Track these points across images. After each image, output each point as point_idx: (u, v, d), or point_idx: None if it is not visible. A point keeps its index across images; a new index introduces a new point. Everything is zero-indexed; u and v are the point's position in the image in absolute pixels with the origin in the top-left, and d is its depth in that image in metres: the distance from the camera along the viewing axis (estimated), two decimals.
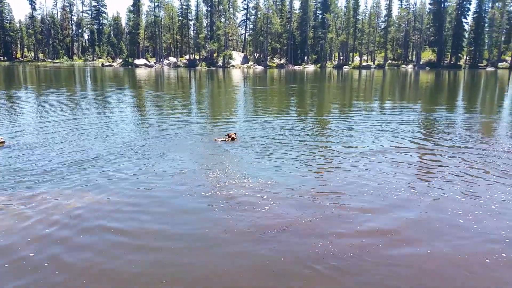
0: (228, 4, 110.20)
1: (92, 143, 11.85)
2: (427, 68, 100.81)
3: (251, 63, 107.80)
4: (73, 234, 5.94)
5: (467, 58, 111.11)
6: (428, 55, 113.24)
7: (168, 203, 7.20)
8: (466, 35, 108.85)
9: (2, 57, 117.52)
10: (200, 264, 5.22)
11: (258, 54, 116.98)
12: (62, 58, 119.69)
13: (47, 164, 9.45)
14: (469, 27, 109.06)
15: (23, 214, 6.56)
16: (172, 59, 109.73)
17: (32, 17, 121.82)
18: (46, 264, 5.07)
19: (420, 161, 10.28)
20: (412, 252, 5.56)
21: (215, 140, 11.85)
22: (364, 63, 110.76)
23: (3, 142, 11.62)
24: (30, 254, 5.32)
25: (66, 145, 11.54)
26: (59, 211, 6.73)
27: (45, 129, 14.28)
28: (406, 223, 6.42)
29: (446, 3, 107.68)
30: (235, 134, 12.01)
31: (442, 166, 9.70)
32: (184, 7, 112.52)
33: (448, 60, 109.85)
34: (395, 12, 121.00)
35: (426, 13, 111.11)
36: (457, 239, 5.93)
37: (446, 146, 11.88)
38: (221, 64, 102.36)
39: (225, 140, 11.75)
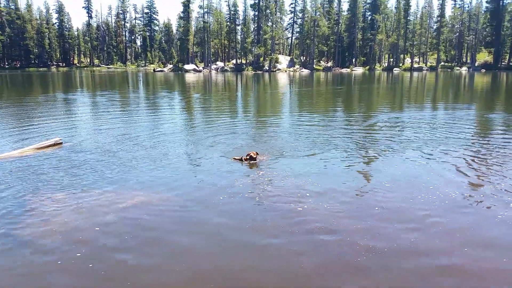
0: (275, 8, 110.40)
1: (143, 145, 12.25)
2: (483, 70, 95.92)
3: (297, 66, 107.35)
4: (124, 233, 6.13)
5: None
6: (483, 56, 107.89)
7: (216, 205, 7.28)
8: None
9: (61, 63, 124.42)
10: (248, 264, 5.25)
11: (304, 57, 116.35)
12: (116, 63, 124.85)
13: (102, 164, 9.87)
14: None
15: (78, 212, 6.87)
16: (220, 63, 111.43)
17: (88, 24, 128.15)
18: (91, 265, 5.23)
19: (473, 164, 9.81)
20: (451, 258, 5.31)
21: (234, 159, 10.15)
22: (415, 65, 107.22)
23: (61, 143, 12.26)
24: (78, 254, 5.51)
25: (120, 147, 12.00)
26: (112, 209, 6.99)
27: (100, 131, 14.94)
28: (451, 227, 6.14)
29: (505, 1, 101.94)
30: (257, 153, 10.01)
31: (495, 171, 9.19)
32: (232, 12, 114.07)
33: (506, 61, 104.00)
34: (448, 12, 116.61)
35: (483, 12, 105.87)
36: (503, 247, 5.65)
37: (502, 151, 11.24)
38: (267, 68, 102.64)
39: (241, 160, 9.92)
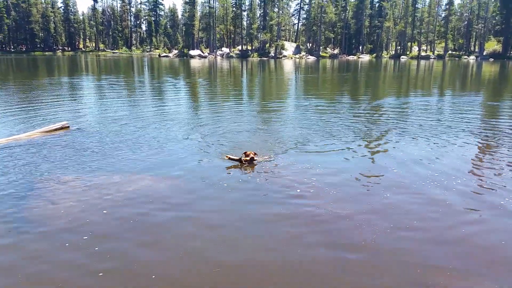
0: None
1: (149, 129, 12.26)
2: (491, 59, 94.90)
3: (303, 53, 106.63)
4: (131, 216, 6.14)
5: None
6: (492, 45, 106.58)
7: (221, 191, 7.28)
8: None
9: (66, 48, 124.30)
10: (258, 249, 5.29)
11: (310, 44, 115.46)
12: (121, 48, 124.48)
13: (109, 148, 9.90)
14: None
15: (85, 195, 6.90)
16: (225, 49, 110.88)
17: (94, 9, 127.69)
18: (97, 248, 5.22)
19: (480, 150, 9.82)
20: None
21: (228, 157, 8.66)
22: (423, 53, 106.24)
23: (68, 126, 12.30)
24: (85, 237, 5.52)
25: (126, 130, 12.02)
26: (119, 193, 7.01)
27: (107, 115, 14.97)
28: (460, 213, 6.14)
29: None
30: (255, 154, 8.67)
31: (504, 157, 9.14)
32: None
33: None
34: (457, 0, 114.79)
35: (492, 0, 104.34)
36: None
37: (509, 137, 11.19)
38: (273, 55, 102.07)
39: (240, 161, 8.53)
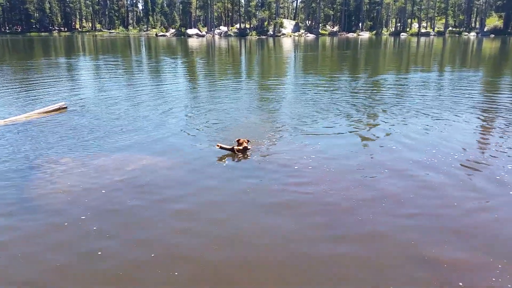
0: None
1: (146, 109, 12.23)
2: (492, 36, 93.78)
3: (302, 31, 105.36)
4: (129, 196, 6.19)
5: None
6: (493, 21, 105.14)
7: (218, 169, 7.34)
8: None
9: (63, 28, 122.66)
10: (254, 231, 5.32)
11: (310, 22, 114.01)
12: (118, 28, 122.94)
13: (107, 128, 9.89)
14: None
15: (84, 175, 6.93)
16: (223, 28, 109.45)
17: None
18: (95, 228, 5.24)
19: (479, 127, 9.82)
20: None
21: (219, 146, 7.96)
22: (423, 30, 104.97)
23: (66, 107, 12.25)
24: (82, 217, 5.54)
25: (124, 111, 11.99)
26: (117, 173, 7.05)
27: (104, 95, 14.91)
28: (455, 188, 6.18)
29: None
30: (248, 141, 8.12)
31: (502, 134, 9.15)
32: None
33: None
34: None
35: None
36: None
37: (508, 114, 11.17)
38: (272, 33, 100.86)
39: (232, 150, 7.94)
